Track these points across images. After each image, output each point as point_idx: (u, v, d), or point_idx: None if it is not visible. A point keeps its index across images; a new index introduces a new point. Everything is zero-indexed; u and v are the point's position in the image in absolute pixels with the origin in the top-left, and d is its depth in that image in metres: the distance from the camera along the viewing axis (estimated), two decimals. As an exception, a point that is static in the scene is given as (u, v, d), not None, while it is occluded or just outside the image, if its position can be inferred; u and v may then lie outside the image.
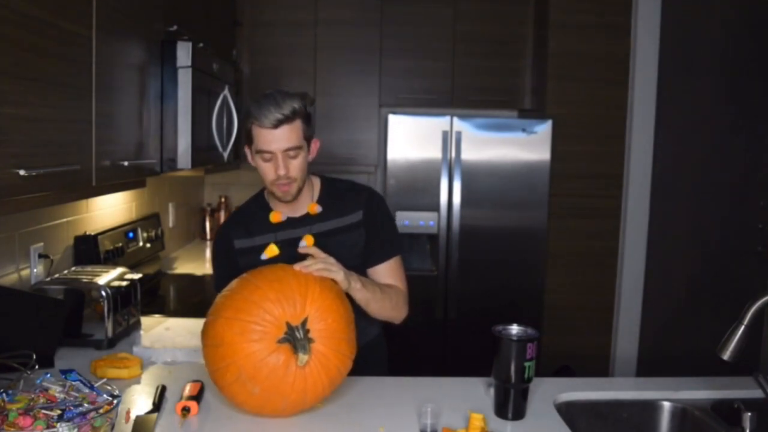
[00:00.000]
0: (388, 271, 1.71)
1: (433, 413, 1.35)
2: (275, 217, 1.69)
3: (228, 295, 1.42)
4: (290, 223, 1.70)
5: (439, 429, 1.36)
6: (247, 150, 1.66)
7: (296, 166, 1.60)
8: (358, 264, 1.67)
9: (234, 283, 1.45)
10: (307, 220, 1.69)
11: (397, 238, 1.76)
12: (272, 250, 1.66)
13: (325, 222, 1.69)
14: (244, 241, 1.70)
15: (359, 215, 1.71)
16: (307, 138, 1.63)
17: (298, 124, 1.58)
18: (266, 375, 1.33)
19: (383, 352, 1.86)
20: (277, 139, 1.56)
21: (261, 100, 1.58)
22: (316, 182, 1.75)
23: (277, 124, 1.55)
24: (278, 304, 1.37)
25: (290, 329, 1.36)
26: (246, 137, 1.63)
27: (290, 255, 1.60)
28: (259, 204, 1.75)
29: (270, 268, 1.50)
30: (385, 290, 1.65)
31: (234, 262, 1.68)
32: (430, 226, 3.39)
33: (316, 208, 1.69)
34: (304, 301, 1.39)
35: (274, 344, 1.34)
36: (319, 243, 1.62)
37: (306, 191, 1.69)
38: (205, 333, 1.41)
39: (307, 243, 1.63)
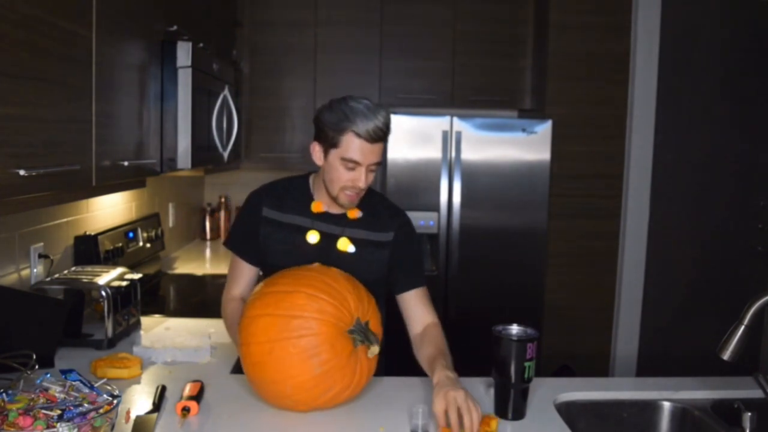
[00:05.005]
0: (421, 299, 1.70)
1: (424, 414, 1.35)
2: (317, 207, 1.70)
3: (312, 276, 1.49)
4: (327, 217, 1.71)
5: (430, 429, 1.36)
6: (318, 147, 1.63)
7: (371, 179, 1.63)
8: (376, 279, 1.68)
9: (315, 269, 1.53)
10: (342, 220, 1.71)
11: (424, 268, 1.79)
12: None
13: (358, 230, 1.71)
14: (274, 212, 1.71)
15: (390, 236, 1.72)
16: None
17: (386, 140, 1.61)
18: (338, 351, 1.38)
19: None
20: (371, 153, 1.57)
21: (357, 108, 1.56)
22: None
23: (377, 139, 1.56)
24: (354, 299, 1.46)
25: (359, 323, 1.45)
26: (329, 138, 1.59)
27: (321, 246, 1.67)
28: (301, 187, 1.75)
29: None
30: (447, 355, 1.57)
31: (255, 226, 1.71)
32: (430, 226, 3.39)
33: (357, 213, 1.71)
34: (367, 308, 1.50)
35: (346, 331, 1.43)
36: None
37: None
38: (280, 303, 1.42)
39: (341, 247, 1.67)
